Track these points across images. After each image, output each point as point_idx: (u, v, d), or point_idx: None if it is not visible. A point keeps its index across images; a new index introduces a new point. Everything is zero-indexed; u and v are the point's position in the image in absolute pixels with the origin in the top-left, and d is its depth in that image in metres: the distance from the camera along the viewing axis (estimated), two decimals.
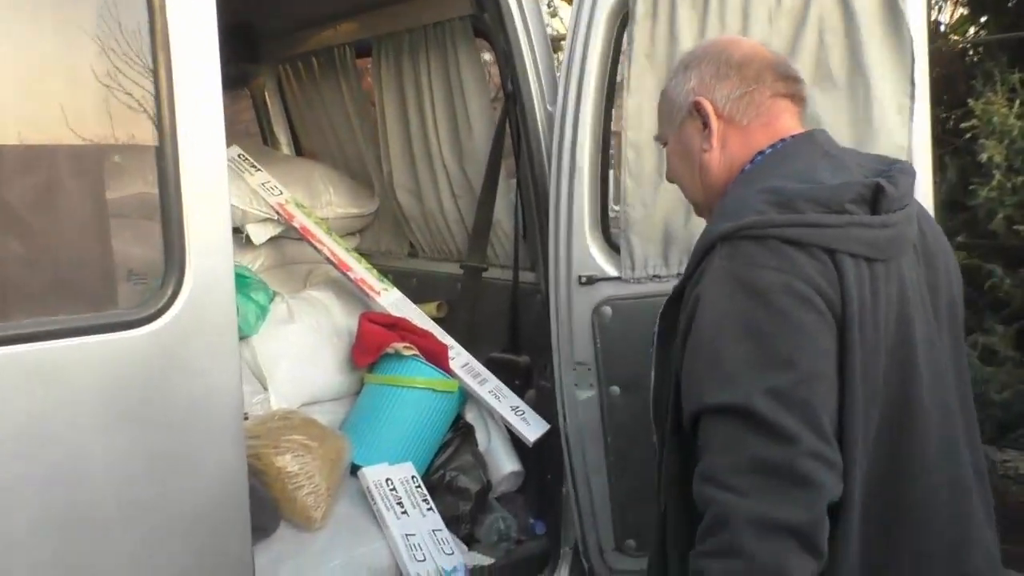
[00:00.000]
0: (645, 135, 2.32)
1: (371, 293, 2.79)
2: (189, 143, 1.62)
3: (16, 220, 1.54)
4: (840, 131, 2.01)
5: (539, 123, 2.39)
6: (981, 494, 1.38)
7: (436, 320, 3.03)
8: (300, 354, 2.61)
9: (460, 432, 2.66)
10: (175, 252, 1.62)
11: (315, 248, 2.88)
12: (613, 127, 2.39)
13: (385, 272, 3.24)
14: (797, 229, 1.23)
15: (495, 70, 2.64)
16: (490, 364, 2.79)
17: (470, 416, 2.74)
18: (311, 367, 2.62)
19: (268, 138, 3.80)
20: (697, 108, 1.44)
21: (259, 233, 2.96)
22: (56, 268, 1.61)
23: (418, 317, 2.80)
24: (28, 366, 1.48)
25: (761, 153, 1.41)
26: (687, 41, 2.23)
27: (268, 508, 2.17)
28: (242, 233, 2.95)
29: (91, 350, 1.54)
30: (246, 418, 2.31)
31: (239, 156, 3.05)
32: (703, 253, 1.27)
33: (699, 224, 1.58)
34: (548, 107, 2.39)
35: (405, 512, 2.31)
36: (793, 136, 1.42)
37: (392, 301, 2.79)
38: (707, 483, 1.19)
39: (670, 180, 1.59)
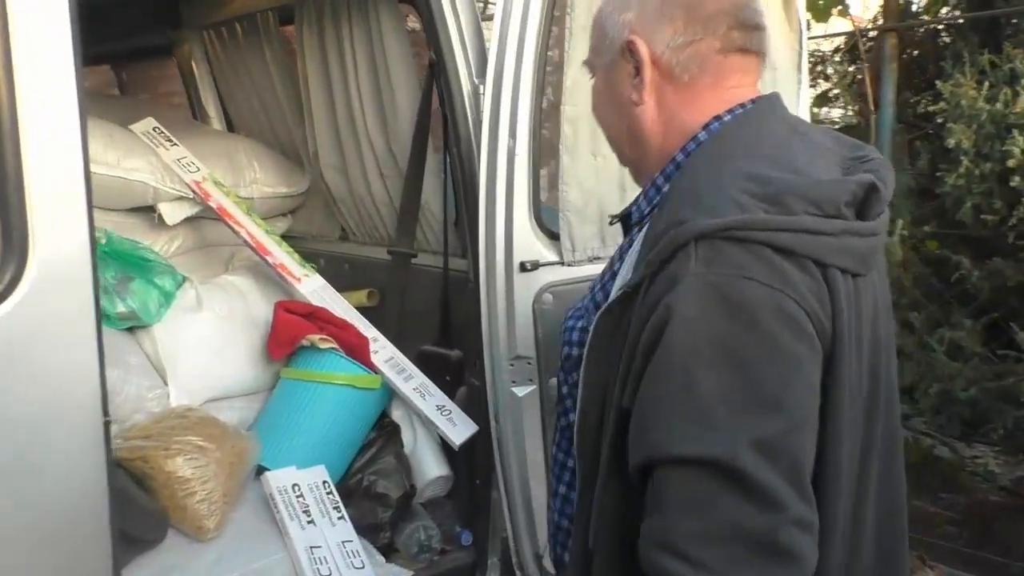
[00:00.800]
0: (582, 109, 2.16)
1: (291, 279, 2.58)
2: (31, 107, 1.40)
3: None
4: None
5: (465, 97, 2.18)
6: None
7: (367, 310, 2.82)
8: (207, 345, 2.39)
9: (383, 432, 2.46)
10: (15, 231, 1.41)
11: (232, 230, 2.66)
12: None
13: (316, 257, 3.03)
14: (791, 235, 1.00)
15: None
16: (420, 358, 2.59)
17: (397, 415, 2.54)
18: (219, 360, 2.40)
19: (196, 111, 3.55)
20: (630, 49, 1.17)
21: (173, 213, 2.73)
22: None
23: (342, 307, 2.59)
24: None
25: (718, 119, 1.16)
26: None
27: (152, 517, 1.96)
28: (154, 213, 2.74)
29: None
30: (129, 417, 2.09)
31: (153, 129, 2.82)
32: (672, 251, 1.00)
33: None
34: (475, 80, 2.18)
35: (312, 521, 2.11)
36: (753, 102, 1.17)
37: (313, 289, 2.57)
38: (664, 552, 0.96)
39: (598, 122, 1.32)
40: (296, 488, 2.16)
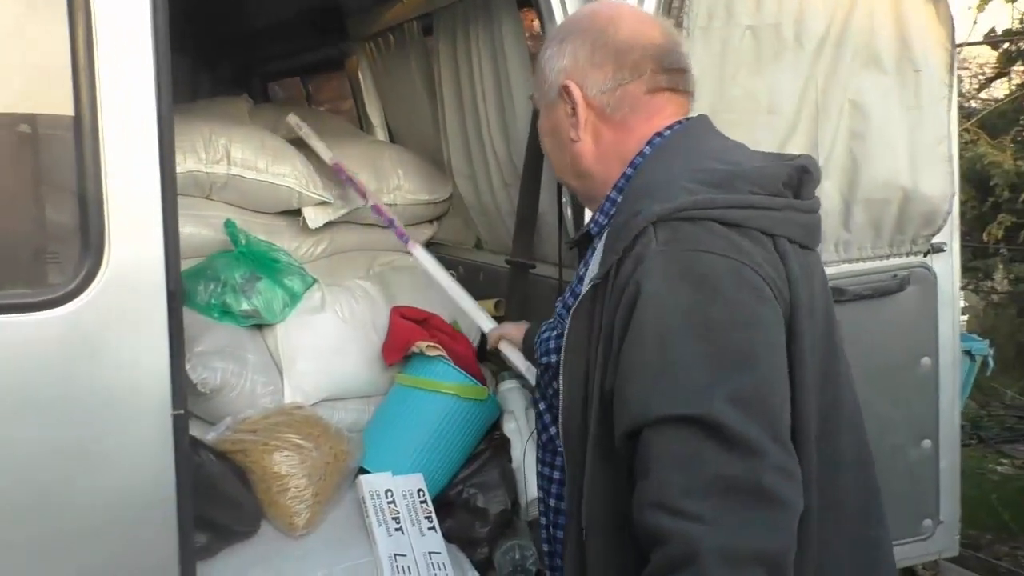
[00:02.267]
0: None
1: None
2: (113, 111, 1.49)
3: None
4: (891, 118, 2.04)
5: None
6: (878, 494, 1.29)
7: (495, 319, 2.79)
8: (325, 346, 2.45)
9: (491, 446, 2.41)
10: (92, 230, 1.50)
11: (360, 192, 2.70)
12: None
13: (455, 264, 3.06)
14: (740, 211, 1.13)
15: None
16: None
17: (509, 428, 2.48)
18: (336, 361, 2.46)
19: (362, 121, 3.70)
20: (567, 92, 1.31)
21: (315, 217, 2.84)
22: None
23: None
24: None
25: (659, 135, 1.29)
26: (744, 15, 2.07)
27: (244, 510, 2.03)
28: (299, 217, 2.86)
29: None
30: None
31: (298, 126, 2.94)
32: (631, 238, 1.12)
33: None
34: None
35: (400, 529, 2.10)
36: (689, 118, 1.32)
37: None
38: (657, 510, 1.03)
39: (547, 154, 1.46)
40: (389, 494, 2.16)
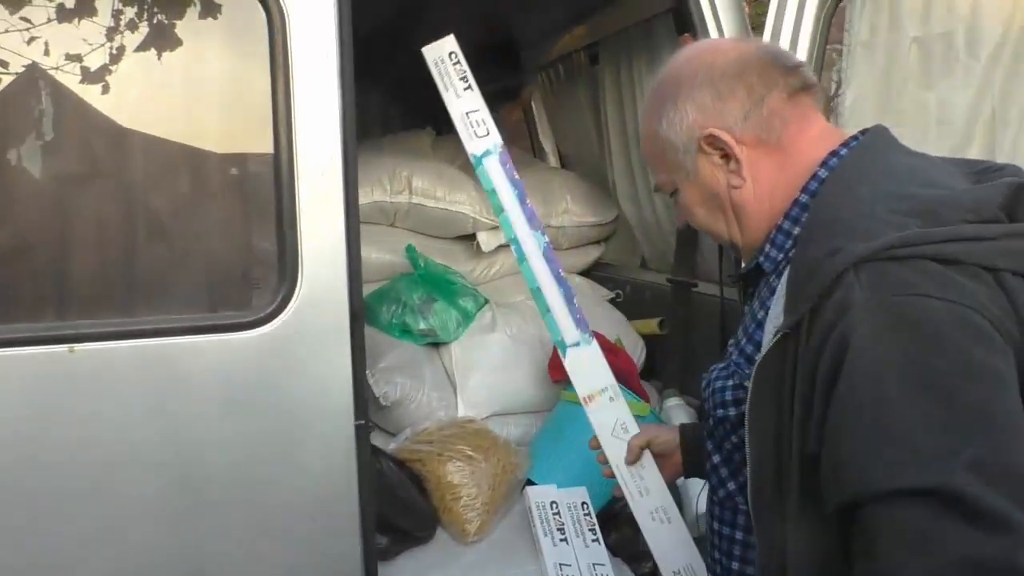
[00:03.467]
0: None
1: None
2: (306, 151, 1.69)
3: (143, 230, 1.73)
4: None
5: None
6: None
7: (659, 337, 2.84)
8: (495, 363, 2.59)
9: None
10: (289, 258, 1.70)
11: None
12: None
13: (623, 284, 3.13)
14: (955, 245, 0.96)
15: None
16: None
17: None
18: (505, 378, 2.60)
19: (535, 149, 3.85)
20: (709, 143, 1.16)
21: (488, 241, 3.00)
22: (176, 270, 1.77)
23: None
24: (150, 359, 1.65)
25: (834, 154, 1.13)
26: (912, 27, 1.96)
27: (422, 515, 2.19)
28: (473, 241, 3.04)
29: (206, 348, 1.68)
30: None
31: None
32: (831, 281, 0.96)
33: None
34: None
35: (565, 539, 2.19)
36: (863, 134, 1.14)
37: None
38: None
39: (699, 228, 1.28)
40: (554, 505, 2.26)
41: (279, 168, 1.67)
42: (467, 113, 1.90)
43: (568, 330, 1.82)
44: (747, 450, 1.10)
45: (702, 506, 2.35)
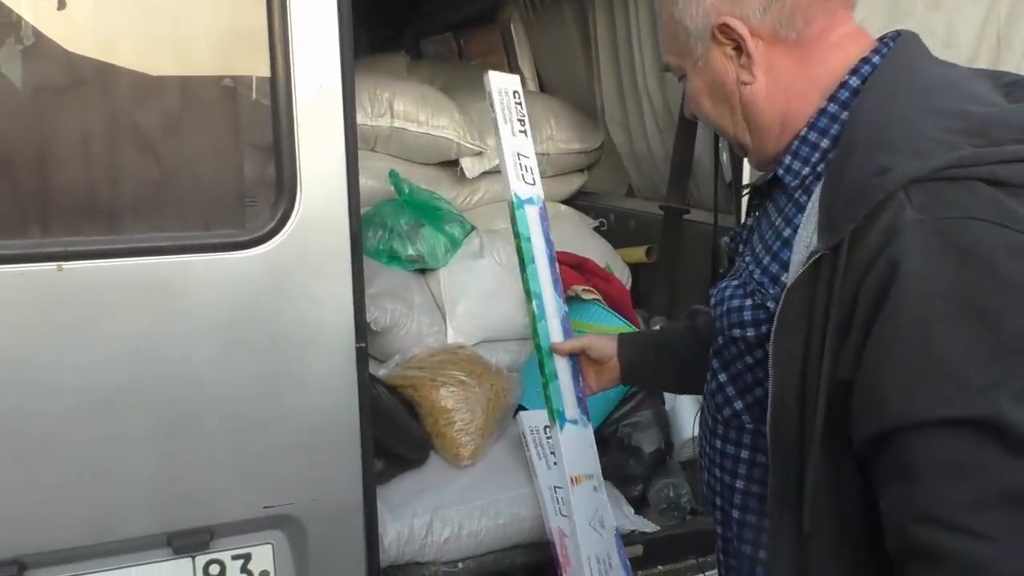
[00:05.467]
0: None
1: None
2: (303, 72, 1.61)
3: (134, 145, 1.64)
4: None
5: None
6: None
7: (646, 265, 2.83)
8: (485, 290, 2.56)
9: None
10: (286, 177, 1.64)
11: None
12: None
13: (607, 212, 3.10)
14: (1009, 166, 0.92)
15: None
16: (690, 317, 2.54)
17: None
18: (495, 304, 2.57)
19: (513, 72, 3.76)
20: (723, 32, 1.09)
21: (472, 167, 2.95)
22: (175, 189, 1.69)
23: None
24: (145, 279, 1.59)
25: (866, 61, 1.07)
26: None
27: (416, 440, 2.18)
28: (458, 167, 2.97)
29: (202, 268, 1.62)
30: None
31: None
32: (878, 202, 0.92)
33: None
34: None
35: (558, 463, 2.19)
36: (893, 40, 1.08)
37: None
38: (931, 525, 0.89)
39: (703, 120, 1.23)
40: (547, 430, 2.25)
41: (276, 82, 1.60)
42: (518, 154, 1.94)
43: (570, 405, 1.79)
44: (771, 372, 1.06)
45: (692, 430, 2.39)
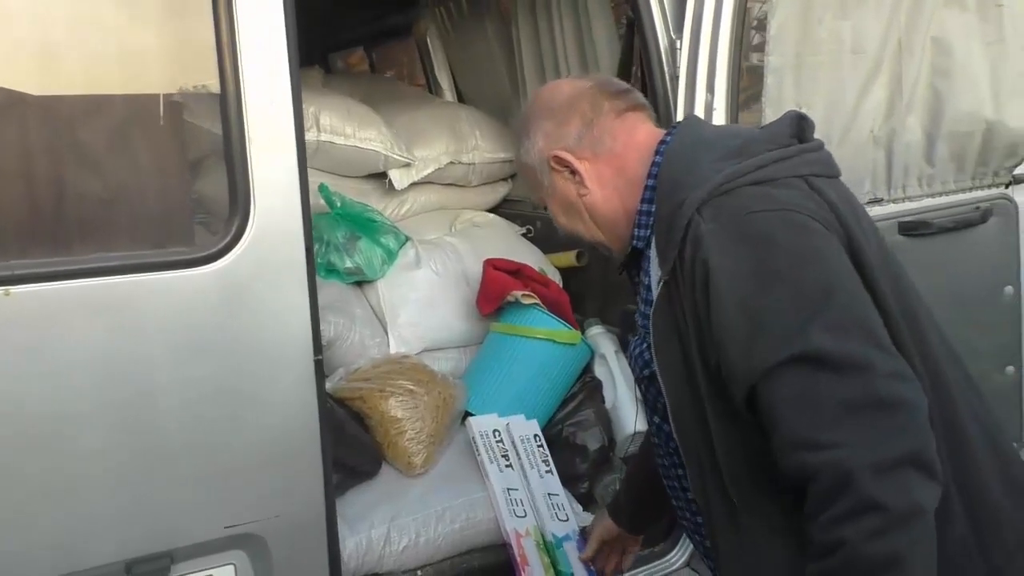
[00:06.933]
0: (787, 60, 2.10)
1: None
2: (254, 86, 1.60)
3: (88, 162, 1.60)
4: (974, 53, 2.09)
5: (663, 52, 2.17)
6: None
7: (576, 270, 2.90)
8: (423, 300, 2.58)
9: (585, 387, 2.53)
10: (240, 192, 1.62)
11: None
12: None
13: (533, 220, 3.15)
14: (764, 170, 1.23)
15: None
16: (625, 318, 2.62)
17: (599, 372, 2.60)
18: (434, 313, 2.59)
19: (432, 86, 3.79)
20: (556, 161, 1.42)
21: (401, 179, 2.96)
22: (125, 207, 1.66)
23: None
24: (97, 300, 1.54)
25: (663, 143, 1.38)
26: None
27: (368, 451, 2.18)
28: (385, 179, 2.98)
29: (156, 286, 1.58)
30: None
31: None
32: (684, 226, 1.21)
33: None
34: (672, 35, 2.16)
35: (509, 465, 2.24)
36: (680, 122, 1.45)
37: None
38: (796, 451, 1.10)
39: (568, 233, 1.52)
40: (496, 434, 2.29)
41: (226, 97, 1.59)
42: (548, 495, 2.14)
43: None
44: (661, 384, 1.31)
45: (632, 427, 2.47)
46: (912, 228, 2.27)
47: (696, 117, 1.51)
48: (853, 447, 1.06)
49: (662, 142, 1.38)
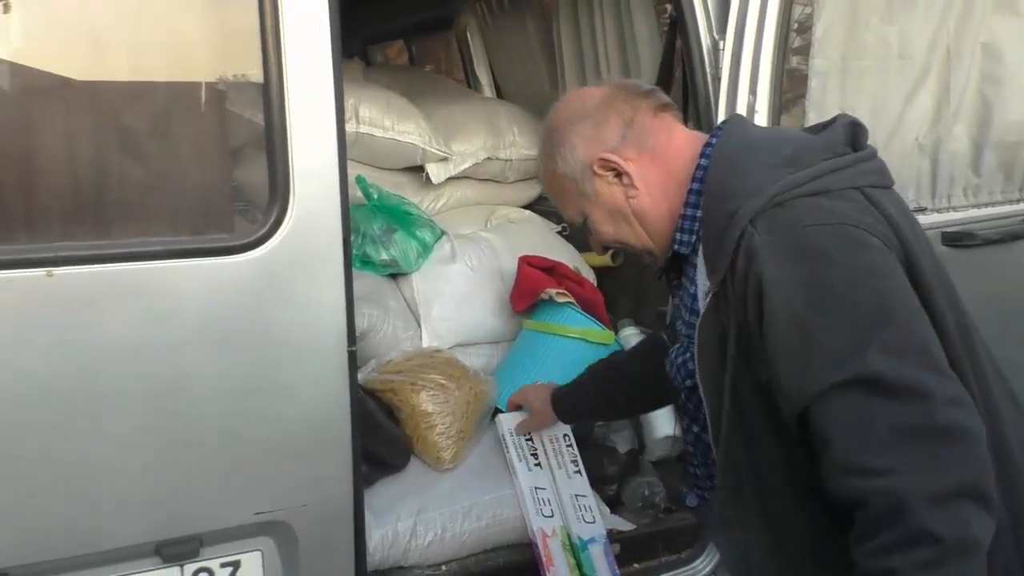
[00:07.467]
0: (832, 63, 2.07)
1: None
2: (296, 76, 1.61)
3: (131, 148, 1.62)
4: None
5: (705, 53, 2.14)
6: None
7: (611, 269, 2.89)
8: (458, 294, 2.58)
9: None
10: (279, 181, 1.63)
11: None
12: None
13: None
14: (819, 180, 1.19)
15: None
16: (659, 318, 2.60)
17: None
18: (468, 308, 2.59)
19: (470, 80, 3.80)
20: (602, 165, 1.37)
21: (438, 173, 2.96)
22: (166, 193, 1.67)
23: None
24: (137, 284, 1.56)
25: (708, 144, 1.33)
26: None
27: (398, 444, 2.18)
28: (423, 173, 2.98)
29: (195, 272, 1.60)
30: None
31: None
32: (736, 238, 1.18)
33: None
34: (715, 35, 2.13)
35: (538, 464, 2.23)
36: (724, 123, 1.39)
37: None
38: (846, 475, 1.07)
39: (611, 245, 1.50)
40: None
41: (269, 85, 1.59)
42: (576, 496, 2.13)
43: None
44: (700, 391, 1.29)
45: (662, 431, 2.45)
46: (956, 239, 2.22)
47: (741, 116, 1.44)
48: (908, 475, 1.03)
49: (707, 144, 1.34)
